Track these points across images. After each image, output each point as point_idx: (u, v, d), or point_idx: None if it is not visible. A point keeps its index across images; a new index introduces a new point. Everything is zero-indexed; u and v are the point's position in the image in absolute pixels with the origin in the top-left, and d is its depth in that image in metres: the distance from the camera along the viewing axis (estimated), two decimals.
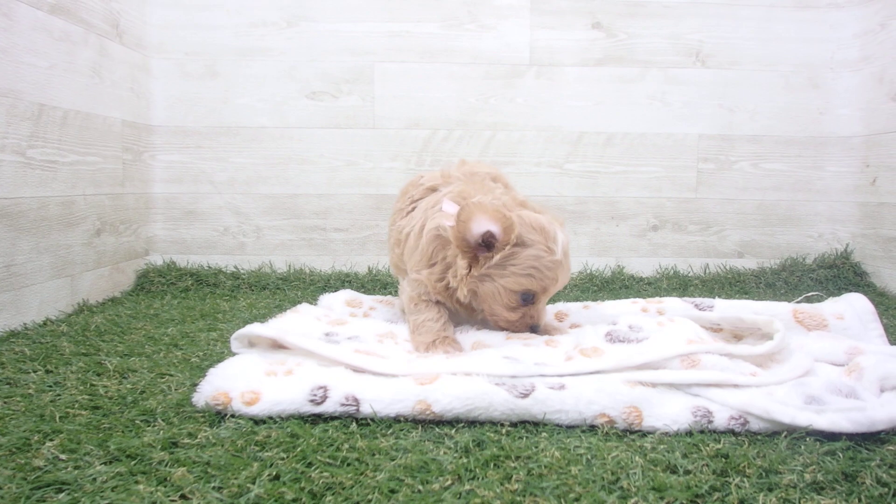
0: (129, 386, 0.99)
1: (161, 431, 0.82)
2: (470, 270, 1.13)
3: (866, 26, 2.01)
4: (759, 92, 2.08)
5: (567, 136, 2.06)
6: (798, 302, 1.27)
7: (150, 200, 2.00)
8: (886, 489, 0.69)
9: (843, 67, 2.07)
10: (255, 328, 1.06)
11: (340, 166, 2.04)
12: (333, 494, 0.67)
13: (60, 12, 1.51)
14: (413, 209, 1.32)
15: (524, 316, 1.17)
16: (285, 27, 2.00)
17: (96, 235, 1.67)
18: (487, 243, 1.12)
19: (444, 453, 0.77)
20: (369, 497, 0.67)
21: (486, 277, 1.14)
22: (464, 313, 1.25)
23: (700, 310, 1.23)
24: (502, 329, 1.19)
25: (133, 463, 0.73)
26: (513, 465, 0.74)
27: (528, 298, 1.15)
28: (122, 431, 0.82)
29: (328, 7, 2.00)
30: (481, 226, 1.09)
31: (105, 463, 0.74)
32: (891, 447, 0.80)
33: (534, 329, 1.19)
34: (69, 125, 1.54)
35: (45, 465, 0.73)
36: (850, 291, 1.33)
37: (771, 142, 2.09)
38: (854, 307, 1.22)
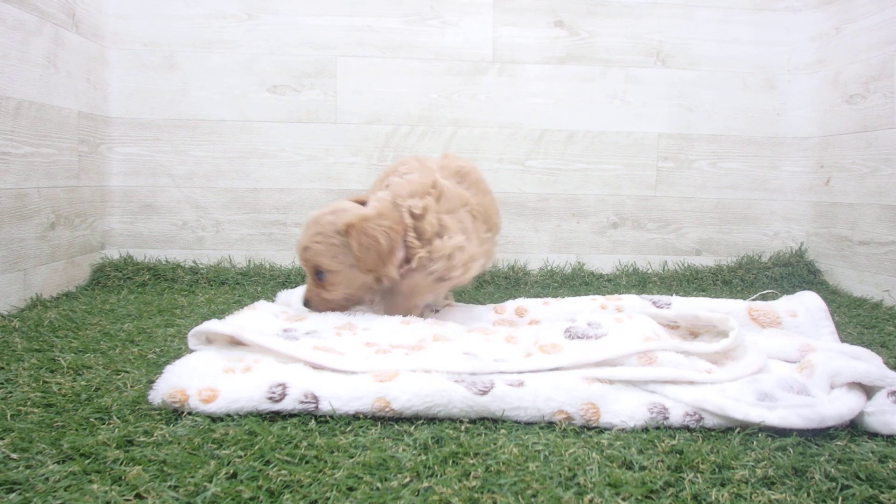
0: (83, 383, 0.97)
1: (116, 429, 0.81)
2: None
3: (821, 30, 2.07)
4: (718, 92, 2.12)
5: (529, 133, 2.08)
6: (753, 299, 1.30)
7: (107, 193, 1.96)
8: (834, 484, 0.71)
9: (799, 70, 2.13)
10: (212, 325, 1.04)
11: (301, 161, 2.02)
12: (291, 492, 0.67)
13: (14, 0, 1.46)
14: None
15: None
16: (245, 19, 1.97)
17: (50, 229, 1.62)
18: None
19: (403, 450, 0.77)
20: (327, 495, 0.67)
21: None
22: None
23: (658, 307, 1.25)
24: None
25: (87, 462, 0.72)
26: (471, 461, 0.75)
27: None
28: (76, 430, 0.81)
29: (288, 0, 1.98)
30: None
31: (58, 462, 0.72)
32: (839, 442, 0.82)
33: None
34: (23, 116, 1.50)
35: None
36: (804, 289, 1.36)
37: (729, 141, 2.14)
38: (807, 305, 1.26)
